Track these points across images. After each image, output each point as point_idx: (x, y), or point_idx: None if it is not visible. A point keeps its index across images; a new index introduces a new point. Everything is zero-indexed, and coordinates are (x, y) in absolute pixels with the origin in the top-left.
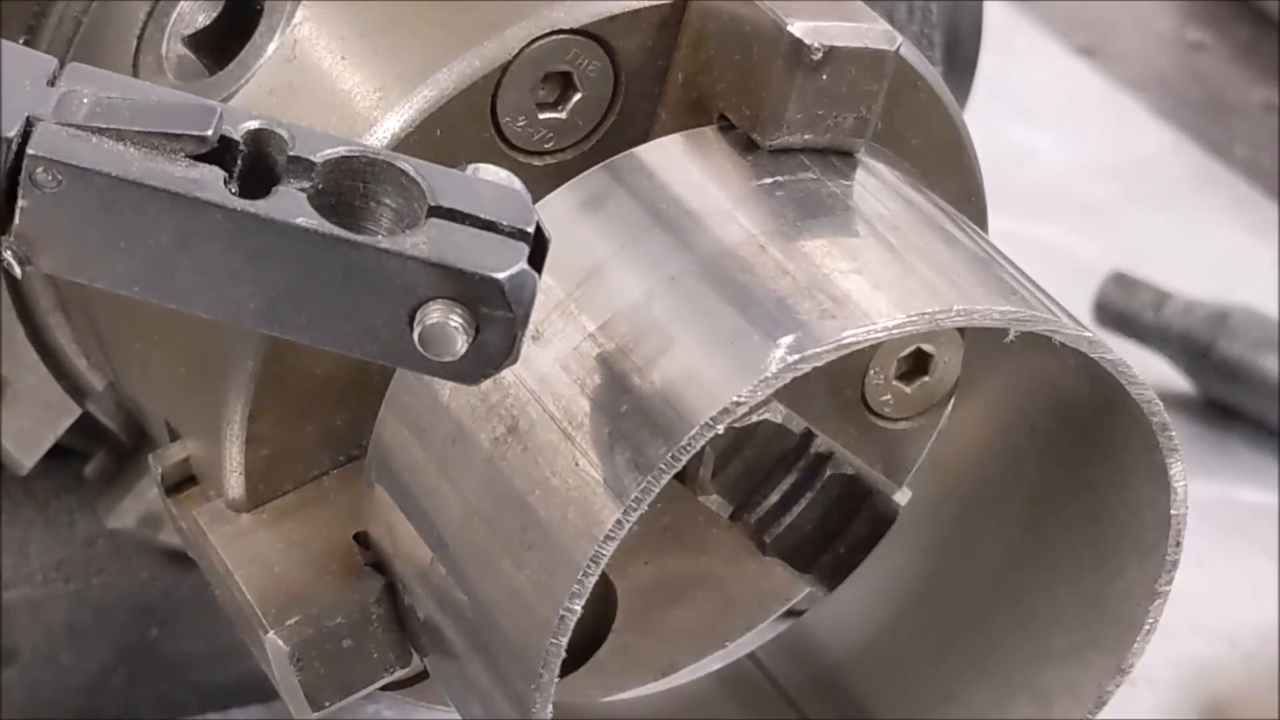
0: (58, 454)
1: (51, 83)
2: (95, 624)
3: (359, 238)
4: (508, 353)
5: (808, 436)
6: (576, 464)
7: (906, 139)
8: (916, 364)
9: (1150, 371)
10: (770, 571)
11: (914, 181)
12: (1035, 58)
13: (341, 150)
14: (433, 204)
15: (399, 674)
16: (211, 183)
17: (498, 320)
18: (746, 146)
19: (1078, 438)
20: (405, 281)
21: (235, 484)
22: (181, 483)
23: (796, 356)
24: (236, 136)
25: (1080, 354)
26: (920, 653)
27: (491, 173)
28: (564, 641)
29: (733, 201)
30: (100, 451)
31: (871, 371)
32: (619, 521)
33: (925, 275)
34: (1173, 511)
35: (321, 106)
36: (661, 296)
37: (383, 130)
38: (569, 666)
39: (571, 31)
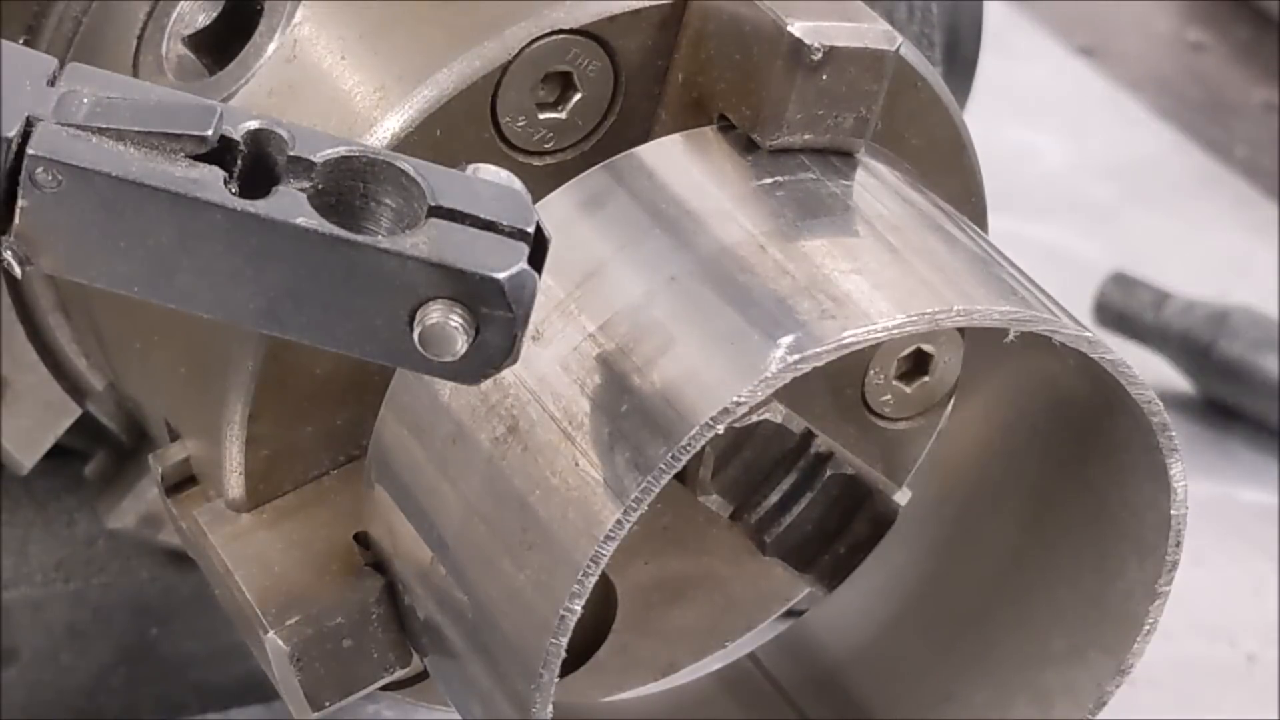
0: (58, 454)
1: (51, 83)
2: (95, 624)
3: (359, 238)
4: (508, 353)
5: (808, 436)
6: (576, 464)
7: (906, 139)
8: (916, 364)
9: (1150, 371)
10: (770, 571)
11: (914, 181)
12: (1035, 58)
13: (341, 150)
14: (433, 204)
15: (399, 674)
16: (211, 183)
17: (498, 320)
18: (746, 146)
19: (1078, 438)
20: (405, 281)
21: (235, 484)
22: (181, 483)
23: (796, 356)
24: (236, 136)
25: (1080, 354)
26: (920, 653)
27: (491, 173)
28: (564, 641)
29: (733, 201)
30: (100, 451)
31: (871, 371)
32: (619, 521)
33: (925, 275)
34: (1173, 511)
35: (321, 106)
36: (661, 296)
37: (383, 130)
38: (569, 666)
39: (571, 31)
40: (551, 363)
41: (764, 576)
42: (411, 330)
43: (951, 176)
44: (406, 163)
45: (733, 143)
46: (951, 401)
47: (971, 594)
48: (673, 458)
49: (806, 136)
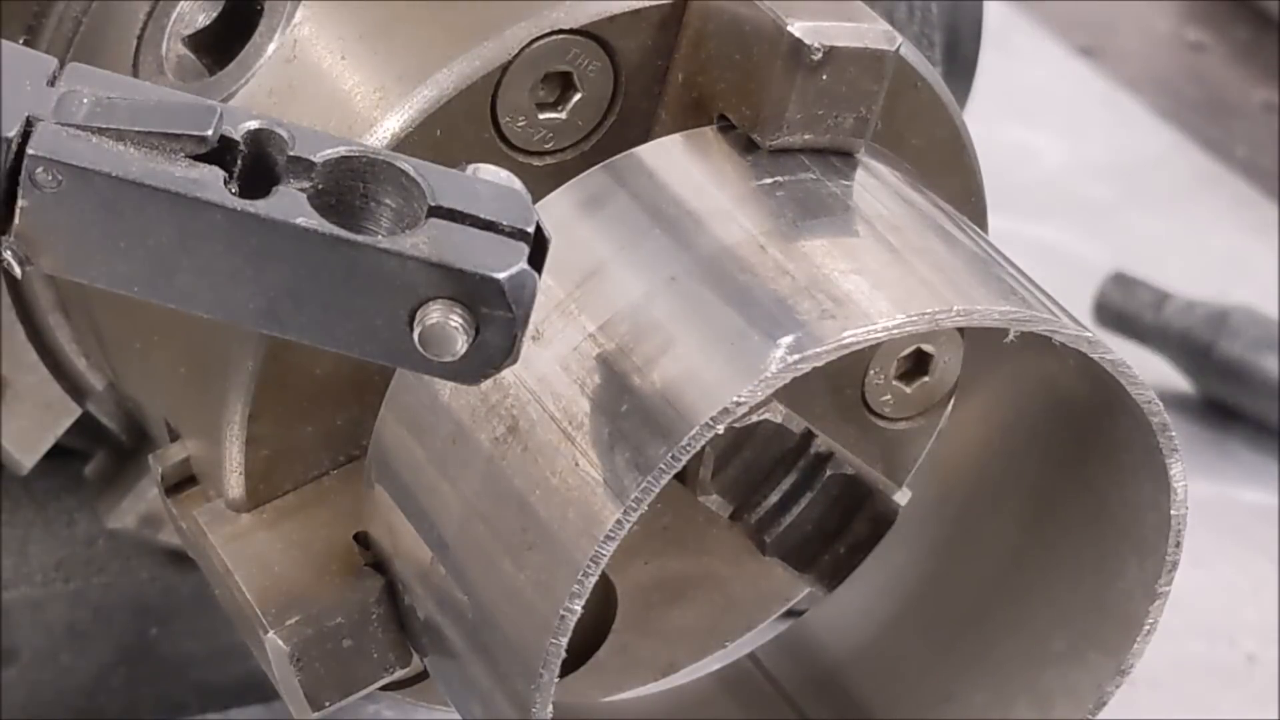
0: (58, 454)
1: (51, 83)
2: (95, 624)
3: (359, 238)
4: (508, 353)
5: (808, 436)
6: (576, 464)
7: (906, 139)
8: (916, 364)
9: (1150, 371)
10: (770, 571)
11: (914, 181)
12: (1035, 58)
13: (341, 150)
14: (433, 204)
15: (399, 674)
16: (211, 183)
17: (498, 320)
18: (746, 146)
19: (1078, 438)
20: (405, 281)
21: (235, 484)
22: (181, 483)
23: (796, 356)
24: (236, 136)
25: (1080, 354)
26: (920, 653)
27: (491, 173)
28: (564, 641)
29: (733, 202)
30: (100, 451)
31: (871, 371)
32: (619, 521)
33: (925, 275)
34: (1173, 512)
35: (321, 107)
36: (661, 296)
37: (383, 130)
38: (569, 666)
39: (571, 31)
40: (551, 363)
41: (764, 576)
42: (411, 330)
43: (951, 176)
44: (406, 163)
45: (733, 143)
46: (951, 401)
47: (971, 594)
48: (673, 458)
49: (806, 136)
